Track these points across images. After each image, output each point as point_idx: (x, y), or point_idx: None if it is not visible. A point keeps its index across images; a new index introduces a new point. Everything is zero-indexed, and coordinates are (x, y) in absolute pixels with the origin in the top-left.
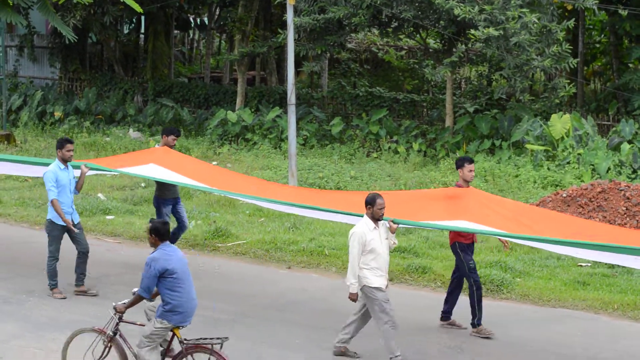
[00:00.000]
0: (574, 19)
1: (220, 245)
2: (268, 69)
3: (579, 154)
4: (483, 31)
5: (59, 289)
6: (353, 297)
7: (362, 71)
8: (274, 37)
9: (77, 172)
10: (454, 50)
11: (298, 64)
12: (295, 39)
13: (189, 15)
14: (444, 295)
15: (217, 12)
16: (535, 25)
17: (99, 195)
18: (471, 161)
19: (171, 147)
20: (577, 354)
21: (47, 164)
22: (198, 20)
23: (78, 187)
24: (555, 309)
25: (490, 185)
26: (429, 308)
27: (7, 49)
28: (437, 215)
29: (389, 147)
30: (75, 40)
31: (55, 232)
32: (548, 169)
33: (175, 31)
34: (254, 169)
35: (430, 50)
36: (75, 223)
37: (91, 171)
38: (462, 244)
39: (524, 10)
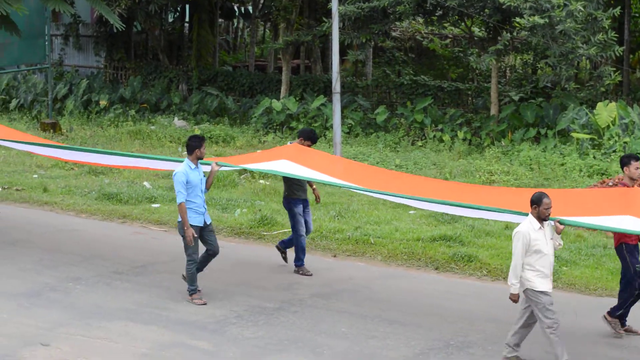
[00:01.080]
0: (619, 6)
1: (265, 233)
2: (312, 58)
3: (625, 142)
4: (528, 19)
5: (199, 295)
6: (514, 298)
7: (406, 60)
8: (319, 26)
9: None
10: (499, 38)
11: (343, 52)
12: (339, 28)
13: (233, 3)
14: (490, 284)
15: (262, 1)
16: (580, 13)
17: (145, 183)
18: (637, 158)
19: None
20: (624, 343)
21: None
22: (242, 8)
23: (207, 186)
24: (602, 298)
25: (535, 173)
26: (474, 296)
27: (53, 37)
28: (600, 211)
29: (434, 136)
30: (122, 29)
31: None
32: (594, 157)
33: (220, 20)
34: None
35: (475, 38)
36: (207, 224)
37: (222, 168)
38: (629, 245)
39: None
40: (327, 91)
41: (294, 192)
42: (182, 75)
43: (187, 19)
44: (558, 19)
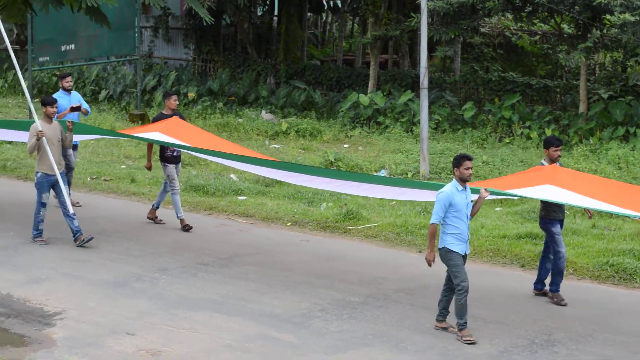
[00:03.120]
0: None
1: (351, 227)
2: (400, 53)
3: None
4: (619, 17)
5: (469, 331)
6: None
7: (495, 56)
8: (407, 21)
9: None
10: (589, 35)
11: (431, 48)
12: (428, 23)
13: None
14: (575, 283)
15: None
16: None
17: (232, 176)
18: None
19: (555, 159)
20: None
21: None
22: (331, 3)
23: (473, 212)
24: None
25: (624, 172)
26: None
27: (143, 30)
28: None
29: (522, 133)
30: (212, 23)
31: (455, 259)
32: None
33: (309, 14)
34: (385, 152)
35: (565, 35)
36: (466, 254)
37: (490, 196)
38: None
39: None
40: (414, 86)
41: (552, 212)
42: (270, 69)
43: (276, 13)
44: None
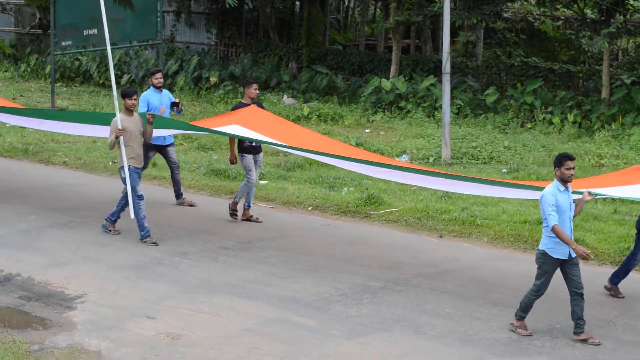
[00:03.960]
0: None
1: (372, 212)
2: (423, 38)
3: None
4: None
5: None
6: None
7: (517, 41)
8: (430, 6)
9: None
10: (612, 21)
11: (453, 33)
12: (451, 8)
13: None
14: (597, 268)
15: None
16: None
17: None
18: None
19: None
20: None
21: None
22: None
23: (575, 214)
24: None
25: None
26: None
27: (165, 14)
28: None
29: (544, 118)
30: (235, 5)
31: (548, 265)
32: None
33: None
34: (407, 137)
35: (588, 20)
36: (572, 257)
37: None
38: None
39: None
40: (436, 71)
41: None
42: (292, 54)
43: None
44: None
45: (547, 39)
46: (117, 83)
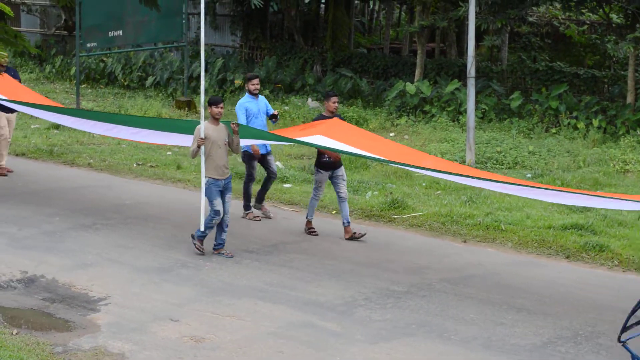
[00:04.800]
0: None
1: (395, 216)
2: (448, 41)
3: None
4: None
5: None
6: None
7: (542, 45)
8: (455, 10)
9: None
10: (638, 25)
11: (478, 37)
12: (476, 12)
13: None
14: (620, 275)
15: None
16: None
17: (277, 163)
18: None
19: None
20: None
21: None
22: None
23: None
24: None
25: None
26: (604, 286)
27: (190, 16)
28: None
29: (568, 123)
30: (260, 6)
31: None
32: None
33: (356, 1)
34: (431, 141)
35: (613, 25)
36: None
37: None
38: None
39: None
40: (461, 75)
41: None
42: (316, 57)
43: (323, 0)
44: None
45: (572, 44)
46: (142, 85)
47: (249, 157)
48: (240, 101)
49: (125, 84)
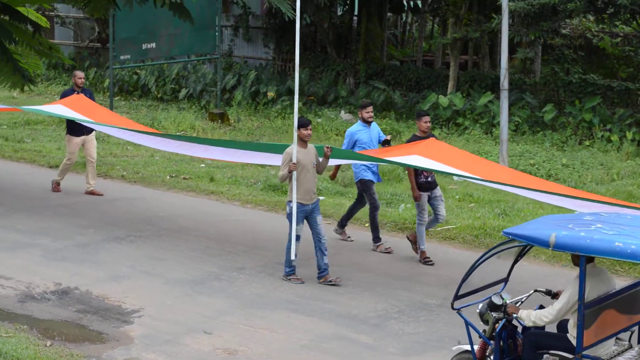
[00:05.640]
0: None
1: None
2: (480, 54)
3: None
4: None
5: None
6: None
7: (575, 58)
8: (488, 22)
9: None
10: None
11: (511, 49)
12: (509, 24)
13: None
14: None
15: None
16: None
17: None
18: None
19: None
20: None
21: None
22: (412, 3)
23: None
24: None
25: None
26: None
27: (223, 29)
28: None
29: (602, 136)
30: (293, 18)
31: None
32: None
33: (389, 14)
34: None
35: None
36: None
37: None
38: None
39: None
40: (494, 88)
41: None
42: (349, 69)
43: (356, 13)
44: None
45: (606, 56)
46: (175, 97)
47: (365, 185)
48: (351, 129)
49: (159, 96)
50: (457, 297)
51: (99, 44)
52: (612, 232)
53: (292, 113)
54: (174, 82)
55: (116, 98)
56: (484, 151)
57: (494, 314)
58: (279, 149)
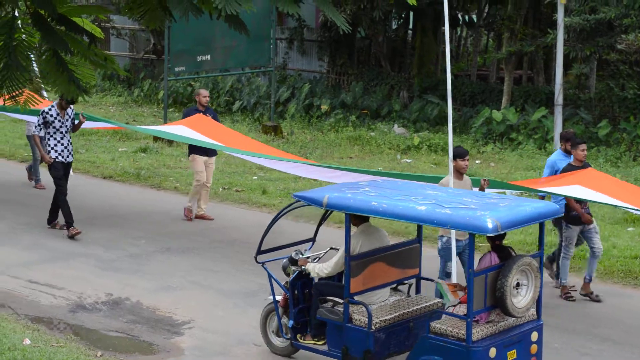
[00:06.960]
0: None
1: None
2: (535, 68)
3: None
4: None
5: None
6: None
7: (631, 73)
8: (543, 37)
9: None
10: None
11: (566, 64)
12: (564, 39)
13: (457, 12)
14: None
15: (486, 10)
16: None
17: None
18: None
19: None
20: None
21: None
22: (467, 17)
23: None
24: None
25: None
26: None
27: (278, 41)
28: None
29: None
30: (349, 31)
31: None
32: None
33: (443, 27)
34: (517, 169)
35: None
36: None
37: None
38: None
39: None
40: (548, 103)
41: None
42: (403, 83)
43: (410, 27)
44: None
45: None
46: (229, 109)
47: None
48: (552, 158)
49: (213, 108)
50: (259, 252)
51: (154, 56)
52: (374, 194)
53: (346, 126)
54: (228, 94)
55: (170, 110)
56: (538, 166)
57: (294, 268)
58: (431, 180)
